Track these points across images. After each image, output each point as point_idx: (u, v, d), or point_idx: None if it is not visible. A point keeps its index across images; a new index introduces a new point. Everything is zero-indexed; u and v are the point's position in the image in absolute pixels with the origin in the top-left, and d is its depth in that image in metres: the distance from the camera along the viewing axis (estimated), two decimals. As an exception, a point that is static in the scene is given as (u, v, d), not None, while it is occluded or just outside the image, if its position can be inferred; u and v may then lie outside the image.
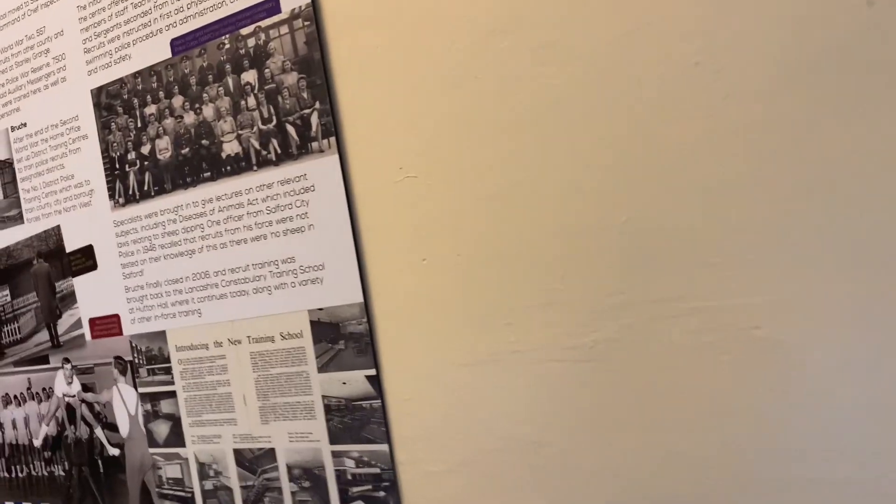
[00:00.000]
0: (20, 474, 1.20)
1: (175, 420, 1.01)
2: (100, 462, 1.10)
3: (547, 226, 0.74)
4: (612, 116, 0.70)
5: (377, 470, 0.86)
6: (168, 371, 1.01)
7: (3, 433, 1.21)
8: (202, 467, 0.99)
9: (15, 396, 1.19)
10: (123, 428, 1.06)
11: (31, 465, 1.18)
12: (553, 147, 0.73)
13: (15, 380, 1.18)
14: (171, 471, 1.02)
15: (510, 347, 0.77)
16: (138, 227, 1.01)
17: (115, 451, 1.08)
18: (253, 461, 0.95)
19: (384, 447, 0.85)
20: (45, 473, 1.16)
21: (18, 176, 1.13)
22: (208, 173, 0.94)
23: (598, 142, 0.71)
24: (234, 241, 0.93)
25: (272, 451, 0.93)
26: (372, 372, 0.85)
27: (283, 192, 0.89)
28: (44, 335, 1.14)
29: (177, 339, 1.00)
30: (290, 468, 0.92)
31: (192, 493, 1.00)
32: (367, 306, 0.85)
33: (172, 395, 1.01)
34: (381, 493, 0.86)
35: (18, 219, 1.14)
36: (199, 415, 0.99)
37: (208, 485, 0.99)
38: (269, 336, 0.92)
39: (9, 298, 1.17)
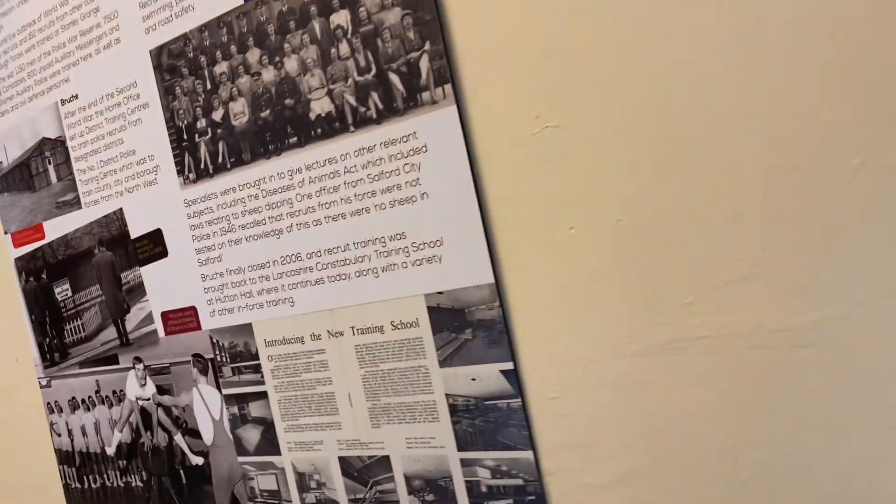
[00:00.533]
0: (93, 485, 1.09)
1: (267, 425, 0.88)
2: (181, 472, 0.98)
3: (742, 175, 0.58)
4: (853, 26, 0.54)
5: (519, 481, 0.72)
6: (256, 369, 0.88)
7: (72, 440, 1.10)
8: (301, 478, 0.87)
9: (83, 400, 1.07)
10: (207, 434, 0.94)
11: (105, 475, 1.07)
12: (758, 72, 0.57)
13: (82, 382, 1.07)
14: (264, 482, 0.90)
15: (693, 332, 0.62)
16: (213, 205, 0.88)
17: (198, 460, 0.96)
18: (363, 471, 0.82)
19: (527, 454, 0.71)
20: (121, 484, 1.05)
21: (72, 155, 1.00)
22: (294, 138, 0.80)
23: (827, 65, 0.55)
24: (330, 217, 0.79)
25: (386, 459, 0.80)
26: (508, 365, 0.71)
27: (388, 155, 0.75)
28: (111, 332, 1.02)
29: (265, 332, 0.87)
30: (408, 479, 0.79)
31: (292, 506, 0.88)
32: (499, 288, 0.71)
33: (263, 396, 0.88)
34: (526, 509, 0.72)
35: (75, 203, 1.01)
36: (296, 418, 0.86)
37: (310, 498, 0.86)
38: (378, 326, 0.78)
39: (70, 293, 1.05)
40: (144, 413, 1.01)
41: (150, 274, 0.96)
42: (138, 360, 0.99)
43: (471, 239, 0.71)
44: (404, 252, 0.75)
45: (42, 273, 1.07)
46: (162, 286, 0.95)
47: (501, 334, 0.71)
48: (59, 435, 1.12)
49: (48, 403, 1.12)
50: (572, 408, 0.69)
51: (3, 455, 1.21)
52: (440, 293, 0.74)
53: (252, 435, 0.90)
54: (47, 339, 1.09)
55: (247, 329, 0.88)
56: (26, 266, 1.09)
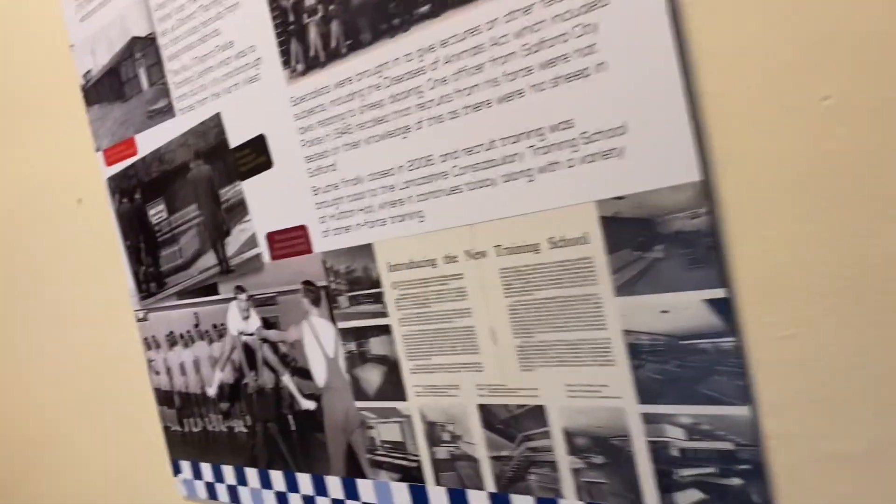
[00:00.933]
0: (194, 429, 0.99)
1: (390, 364, 0.74)
2: (290, 418, 0.86)
3: None
4: None
5: (728, 445, 0.55)
6: (378, 299, 0.74)
7: (171, 379, 1.00)
8: (432, 428, 0.72)
9: (181, 335, 0.97)
10: (319, 375, 0.81)
11: (207, 419, 0.97)
12: None
13: (180, 315, 0.96)
14: (386, 431, 0.76)
15: None
16: (326, 101, 0.73)
17: (309, 405, 0.83)
18: (509, 423, 0.67)
19: (742, 410, 0.54)
20: (224, 429, 0.94)
21: (164, 54, 0.87)
22: (426, 6, 0.63)
23: None
24: (471, 107, 0.63)
25: (539, 409, 0.64)
26: (717, 293, 0.53)
27: (552, 15, 0.57)
28: (210, 258, 0.90)
29: (389, 254, 0.72)
30: (569, 435, 0.63)
31: (419, 461, 0.74)
32: (708, 187, 0.52)
33: (385, 330, 0.74)
34: (736, 481, 0.55)
35: (168, 111, 0.89)
36: (426, 357, 0.71)
37: (442, 452, 0.72)
38: (532, 244, 0.62)
39: (165, 214, 0.93)
40: (248, 350, 0.89)
41: (252, 189, 0.82)
42: (240, 289, 0.87)
43: (669, 121, 0.53)
44: (570, 146, 0.58)
45: (135, 193, 0.96)
46: (266, 203, 0.81)
47: (710, 251, 0.53)
48: (158, 373, 1.02)
49: (145, 339, 1.02)
50: (812, 350, 0.50)
51: (103, 394, 1.14)
52: (619, 198, 0.56)
53: (372, 376, 0.76)
54: (143, 268, 0.99)
55: (366, 251, 0.73)
56: (119, 186, 0.98)
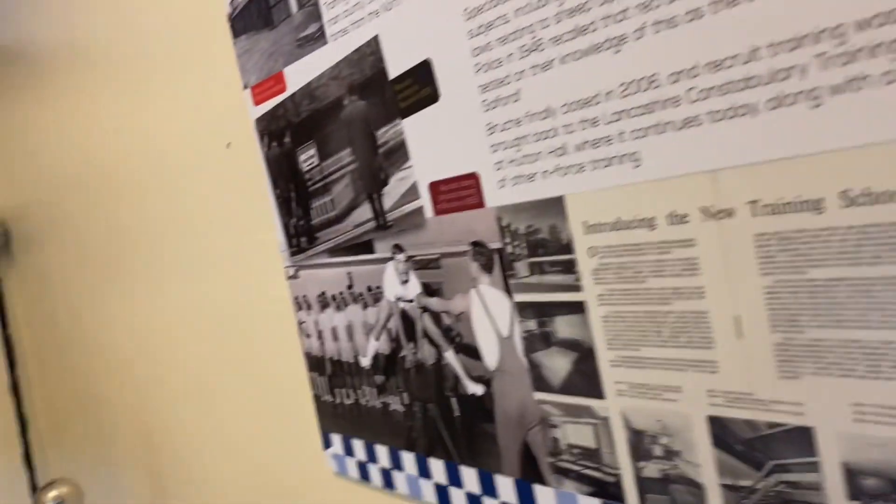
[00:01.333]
0: (346, 400, 0.88)
1: (583, 352, 0.58)
2: (453, 401, 0.72)
3: None
4: None
5: None
6: (569, 268, 0.57)
7: (322, 344, 0.91)
8: (638, 438, 0.56)
9: (333, 297, 0.86)
10: (489, 355, 0.67)
11: (360, 391, 0.86)
12: None
13: (332, 274, 0.85)
14: (575, 433, 0.61)
15: None
16: (509, 10, 0.56)
17: (476, 389, 0.69)
18: (754, 444, 0.49)
19: None
20: (378, 404, 0.83)
21: (314, -31, 0.74)
22: None
23: None
24: (721, 1, 0.44)
25: (804, 432, 0.46)
26: None
27: None
28: (365, 211, 0.77)
29: (587, 210, 0.55)
30: (851, 473, 0.44)
31: (618, 476, 0.58)
32: None
33: (577, 308, 0.58)
34: None
35: (319, 38, 0.76)
36: (634, 347, 0.54)
37: (651, 469, 0.55)
38: (812, 200, 0.43)
39: (316, 160, 0.82)
40: (406, 318, 0.76)
41: (414, 129, 0.68)
42: (399, 248, 0.74)
43: None
44: (891, 52, 0.38)
45: (285, 136, 0.86)
46: (430, 146, 0.67)
47: None
48: (308, 336, 0.93)
49: (296, 298, 0.93)
50: None
51: (250, 353, 1.07)
52: (977, 130, 0.36)
53: (558, 364, 0.60)
54: (293, 220, 0.89)
55: (555, 205, 0.57)
56: (268, 128, 0.88)
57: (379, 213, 0.75)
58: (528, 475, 0.66)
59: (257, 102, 0.88)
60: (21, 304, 2.05)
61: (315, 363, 0.93)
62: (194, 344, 1.22)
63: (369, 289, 0.80)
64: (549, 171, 0.57)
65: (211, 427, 1.24)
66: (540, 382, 0.63)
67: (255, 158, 0.92)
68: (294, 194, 0.87)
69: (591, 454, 0.60)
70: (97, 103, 1.32)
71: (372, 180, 0.75)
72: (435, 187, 0.68)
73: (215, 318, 1.13)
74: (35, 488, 1.92)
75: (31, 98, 1.62)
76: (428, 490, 0.78)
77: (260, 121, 0.89)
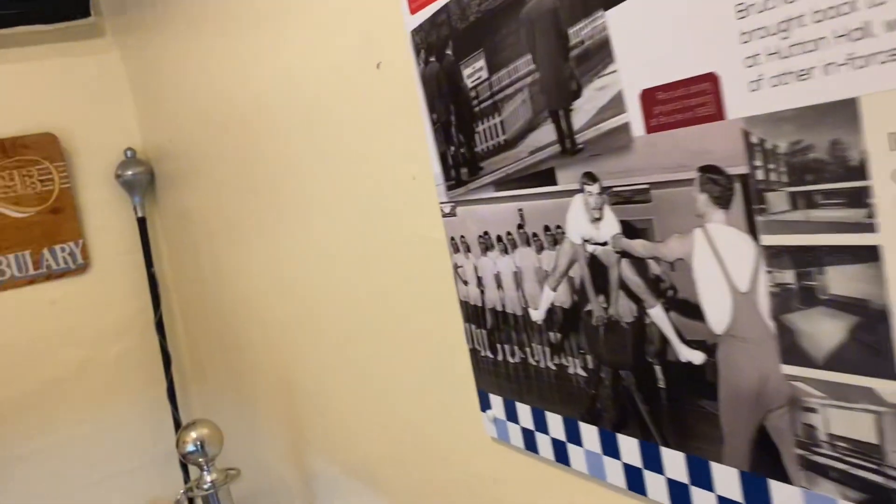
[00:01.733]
0: (510, 358, 0.76)
1: (870, 315, 0.42)
2: (657, 368, 0.58)
3: None
4: None
5: None
6: (859, 199, 0.41)
7: (482, 293, 0.79)
8: (957, 438, 0.40)
9: (499, 238, 0.73)
10: (717, 315, 0.52)
11: (529, 349, 0.73)
12: None
13: (498, 210, 0.72)
14: (843, 422, 0.45)
15: None
16: None
17: (694, 356, 0.55)
18: None
19: None
20: (552, 366, 0.71)
21: None
22: None
23: None
24: None
25: None
26: None
27: None
28: (546, 133, 0.63)
29: (894, 117, 0.39)
30: None
31: (914, 486, 0.42)
32: None
33: (868, 255, 0.42)
34: None
35: (496, -82, 0.62)
36: (970, 313, 0.38)
37: (976, 483, 0.40)
38: None
39: (485, 73, 0.69)
40: (596, 265, 0.62)
41: (622, 21, 0.53)
42: (591, 177, 0.60)
43: None
44: None
45: (446, 48, 0.73)
46: (645, 42, 0.52)
47: None
48: (466, 283, 0.81)
49: (452, 239, 0.81)
50: None
51: (397, 296, 0.97)
52: None
53: (826, 330, 0.45)
54: (452, 148, 0.76)
55: (842, 112, 0.41)
56: (426, 40, 0.75)
57: (566, 135, 0.61)
58: (762, 468, 0.51)
59: (414, 10, 0.76)
60: (165, 243, 2.09)
61: (473, 314, 0.81)
62: (337, 287, 1.14)
63: (546, 228, 0.67)
64: (835, 64, 0.41)
65: (354, 377, 1.16)
66: (793, 353, 0.47)
67: (408, 79, 0.80)
68: (454, 118, 0.75)
69: (866, 450, 0.45)
70: (235, 38, 1.24)
71: (559, 92, 0.60)
72: (649, 96, 0.53)
73: (361, 260, 1.04)
74: (178, 425, 1.97)
75: (171, 37, 1.59)
76: (614, 471, 0.65)
77: (417, 32, 0.76)
